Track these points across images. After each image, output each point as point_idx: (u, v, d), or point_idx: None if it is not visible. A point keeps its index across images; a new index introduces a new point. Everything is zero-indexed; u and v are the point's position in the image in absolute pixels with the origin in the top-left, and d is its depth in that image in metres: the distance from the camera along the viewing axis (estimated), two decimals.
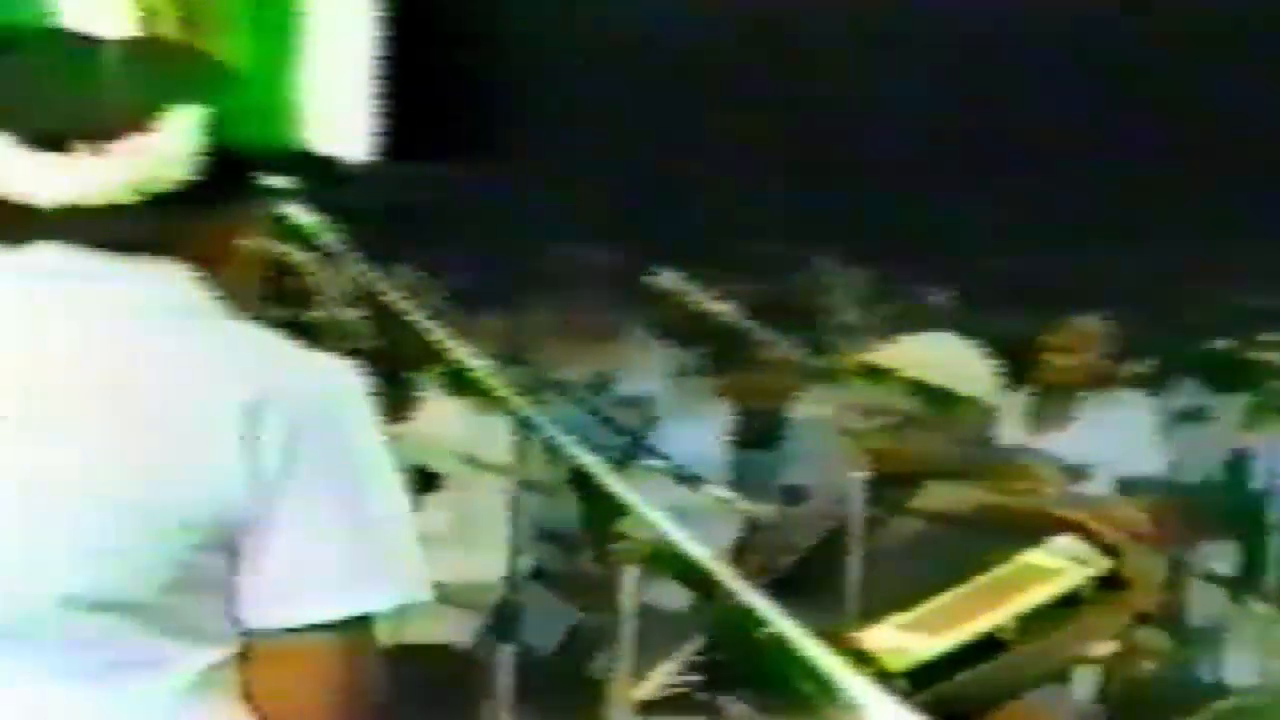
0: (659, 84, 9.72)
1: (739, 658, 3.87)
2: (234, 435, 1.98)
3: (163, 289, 2.05)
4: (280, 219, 2.68)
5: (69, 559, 1.98)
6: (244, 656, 2.05)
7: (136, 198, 2.03)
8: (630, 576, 2.61)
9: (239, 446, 1.98)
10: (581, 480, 2.52)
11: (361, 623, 2.05)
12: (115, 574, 1.98)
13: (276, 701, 2.04)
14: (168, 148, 2.03)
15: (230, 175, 2.09)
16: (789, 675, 2.28)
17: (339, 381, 2.07)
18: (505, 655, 3.82)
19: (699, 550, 2.41)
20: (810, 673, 2.26)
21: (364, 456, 2.06)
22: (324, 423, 2.03)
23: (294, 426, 2.00)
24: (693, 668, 4.15)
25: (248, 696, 2.05)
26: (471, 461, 4.68)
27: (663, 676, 4.08)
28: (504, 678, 3.80)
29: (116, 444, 1.98)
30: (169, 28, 5.90)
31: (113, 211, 2.03)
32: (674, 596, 3.75)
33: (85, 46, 2.12)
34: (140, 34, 5.48)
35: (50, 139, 2.02)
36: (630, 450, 4.66)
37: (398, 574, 2.06)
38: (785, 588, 2.44)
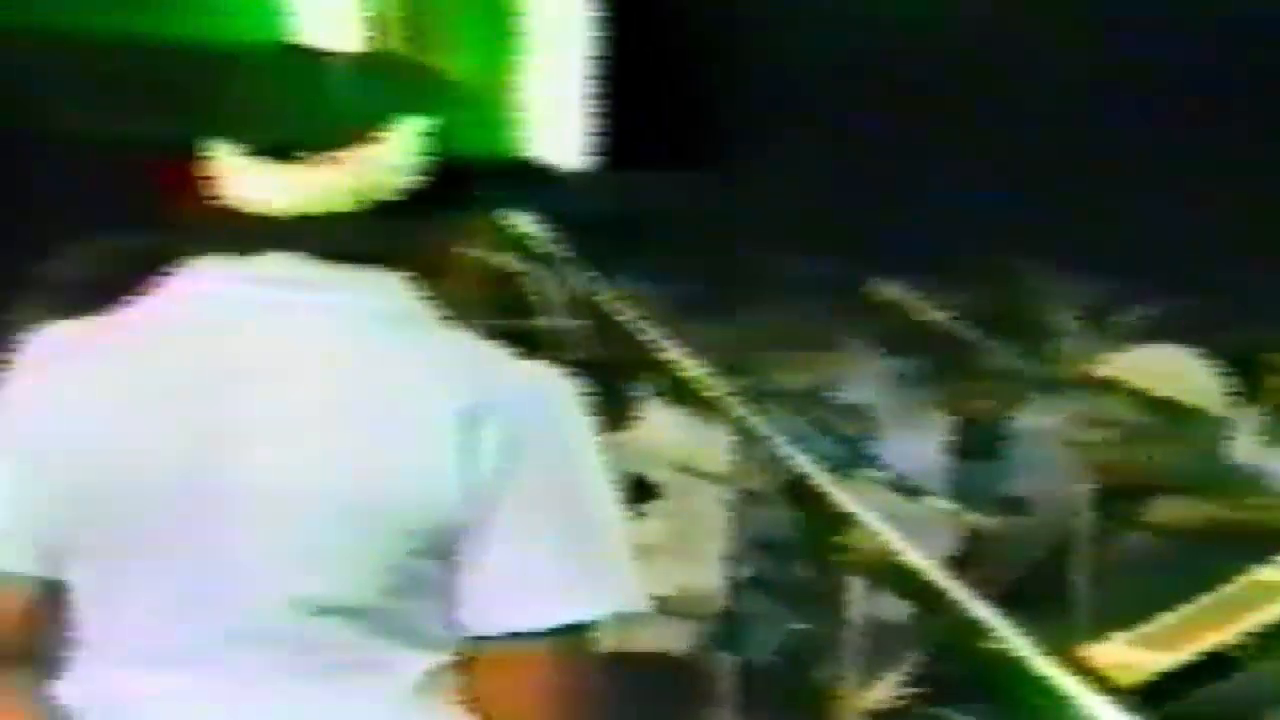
0: (882, 94, 9.66)
1: (964, 671, 3.83)
2: (450, 443, 2.00)
3: (384, 298, 2.08)
4: (501, 228, 2.69)
5: (298, 562, 2.01)
6: (465, 662, 2.07)
7: (361, 207, 2.06)
8: (852, 587, 2.58)
9: (455, 454, 2.00)
10: (801, 489, 2.51)
11: (579, 630, 2.06)
12: (340, 578, 2.01)
13: (496, 706, 2.06)
14: (392, 158, 2.06)
15: (452, 185, 2.11)
16: (1016, 690, 2.24)
17: (554, 390, 2.08)
18: (726, 664, 3.81)
19: (923, 561, 2.38)
20: (1039, 687, 2.22)
21: (579, 465, 2.07)
22: (539, 431, 2.04)
23: (509, 435, 2.01)
24: (917, 680, 4.11)
25: (469, 701, 2.06)
26: (690, 470, 4.68)
27: (887, 688, 4.05)
28: (725, 687, 3.79)
29: (339, 450, 2.00)
30: (396, 42, 5.99)
31: (337, 221, 2.06)
32: (893, 607, 3.72)
33: (315, 61, 2.16)
34: (368, 48, 5.58)
35: (279, 150, 2.06)
36: (850, 460, 4.62)
37: (613, 583, 2.07)
38: (1010, 601, 2.40)
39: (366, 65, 2.21)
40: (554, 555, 2.03)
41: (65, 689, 2.11)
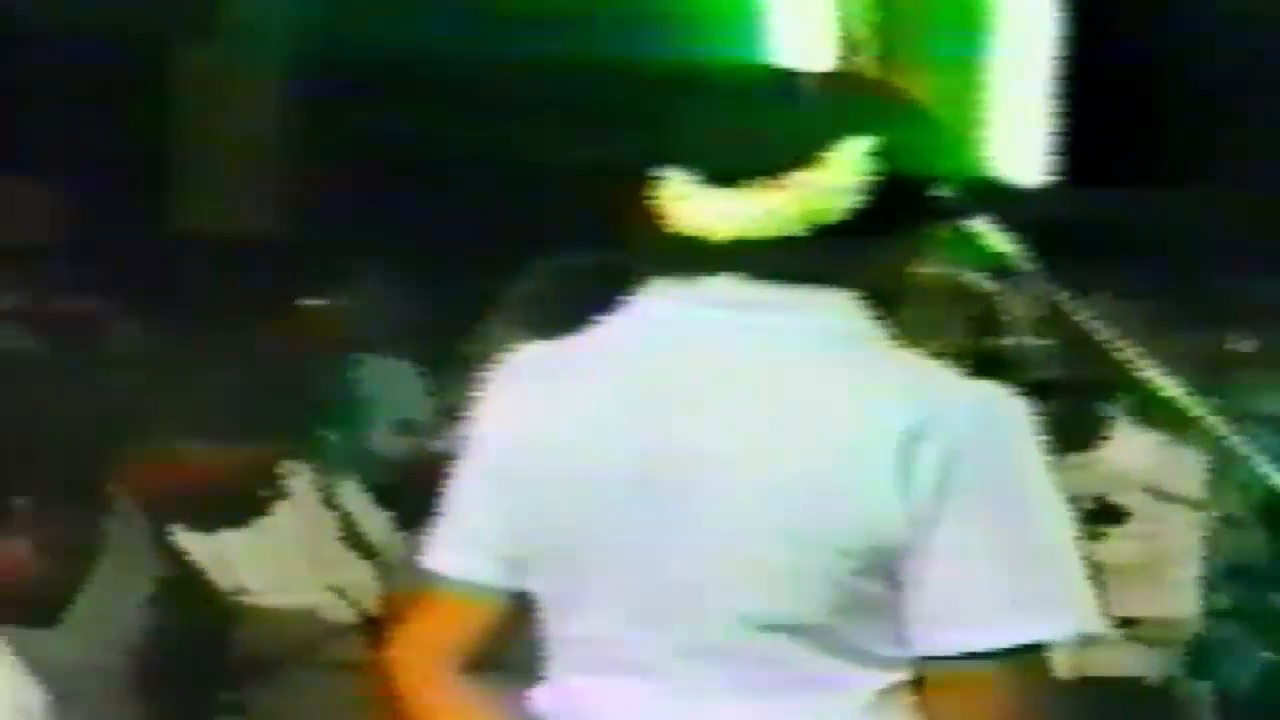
0: None
1: None
2: (891, 463, 1.99)
3: (830, 319, 2.07)
4: (966, 244, 2.64)
5: (745, 580, 2.02)
6: (917, 682, 2.05)
7: (807, 229, 2.05)
8: None
9: (896, 475, 1.99)
10: None
11: (1032, 652, 2.02)
12: (784, 596, 2.02)
13: None
14: (839, 179, 2.06)
15: (904, 204, 2.10)
16: None
17: (1000, 409, 2.05)
18: (1200, 693, 3.70)
19: None
20: None
21: (1026, 485, 2.03)
22: (983, 451, 2.01)
23: (951, 455, 1.99)
24: None
25: None
26: (1160, 494, 4.56)
27: None
28: (1199, 716, 3.68)
29: (783, 470, 2.01)
30: (867, 61, 5.98)
31: (783, 243, 2.06)
32: None
33: (775, 85, 2.16)
34: (836, 68, 5.59)
35: (727, 176, 2.07)
36: None
37: (1065, 604, 2.03)
38: None
39: (826, 87, 2.22)
40: (999, 576, 2.00)
41: (536, 696, 2.17)
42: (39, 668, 2.22)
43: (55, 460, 2.23)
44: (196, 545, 3.48)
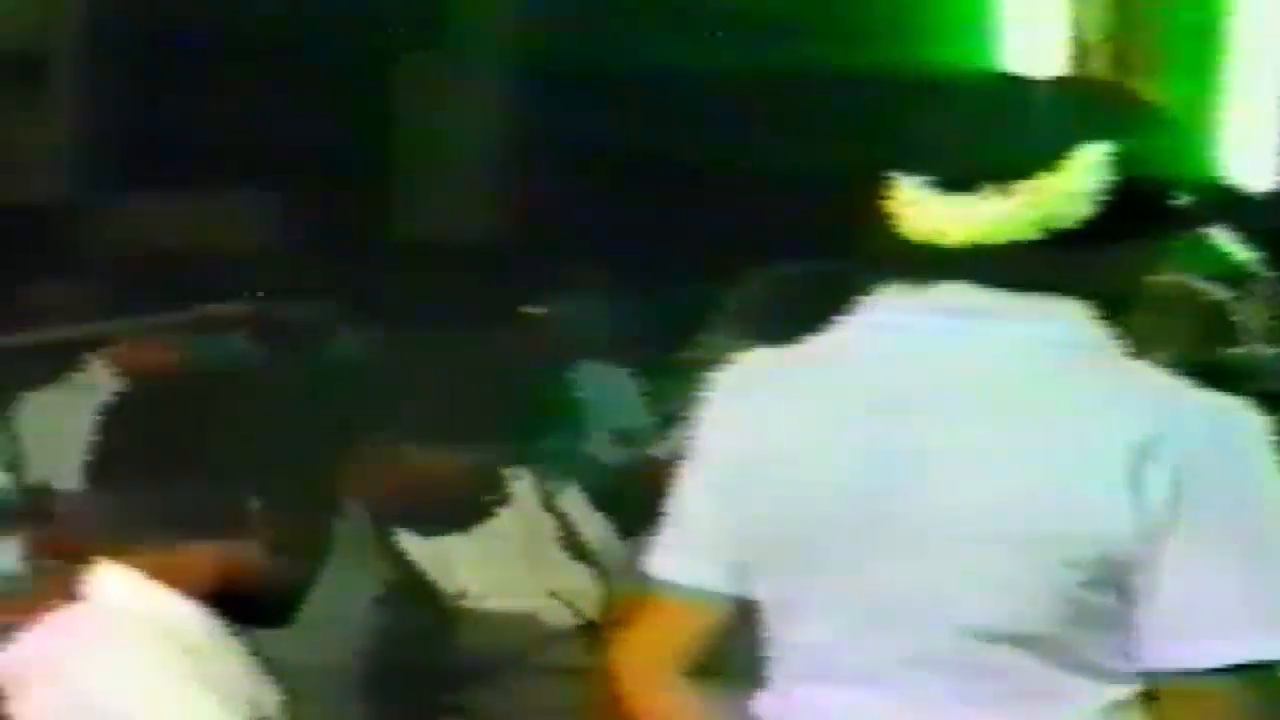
0: None
1: None
2: (1121, 475, 1.97)
3: (1061, 327, 2.06)
4: (1196, 252, 2.60)
5: (966, 590, 2.02)
6: (1146, 696, 2.03)
7: (1040, 235, 2.04)
8: None
9: (1125, 487, 1.97)
10: None
11: (1265, 669, 1.99)
12: (1009, 607, 2.00)
13: None
14: (1075, 185, 2.04)
15: (1141, 210, 2.07)
16: None
17: (1233, 423, 2.02)
18: None
19: None
20: None
21: (1260, 499, 2.00)
22: (1215, 465, 1.99)
23: (1184, 468, 1.97)
24: None
25: None
26: None
27: None
28: None
29: (1011, 480, 2.00)
30: (1101, 66, 5.91)
31: (1015, 250, 2.04)
32: None
33: (1012, 91, 2.15)
34: (1070, 73, 5.53)
35: (961, 181, 2.05)
36: None
37: None
38: None
39: (1061, 92, 2.20)
40: (1233, 591, 1.98)
41: (761, 702, 2.17)
42: (271, 667, 2.26)
43: (285, 463, 2.26)
44: (419, 549, 3.52)
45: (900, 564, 2.04)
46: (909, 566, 2.03)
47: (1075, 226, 2.04)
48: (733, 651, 2.22)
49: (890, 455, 2.04)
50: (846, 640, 2.08)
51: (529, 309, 4.57)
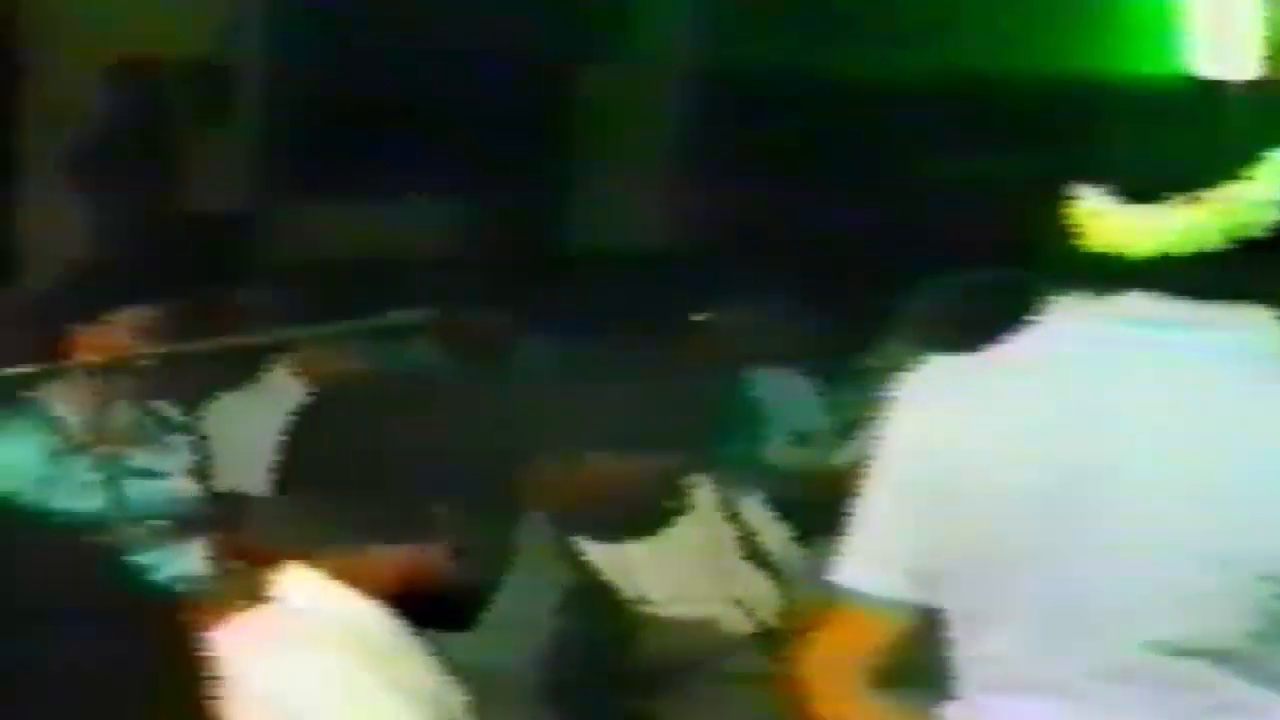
0: None
1: None
2: None
3: (1249, 336, 2.03)
4: None
5: (1157, 605, 1.99)
6: None
7: (1227, 244, 2.01)
8: None
9: None
10: None
11: None
12: (1201, 621, 1.98)
13: None
14: (1264, 194, 2.01)
15: None
16: None
17: None
18: None
19: None
20: None
21: None
22: None
23: None
24: None
25: None
26: None
27: None
28: None
29: (1205, 493, 1.98)
30: None
31: (1202, 259, 2.02)
32: None
33: (1203, 99, 2.12)
34: (1262, 76, 5.43)
35: (1148, 192, 2.03)
36: None
37: None
38: None
39: (1249, 98, 2.16)
40: None
41: (948, 713, 2.16)
42: (455, 671, 2.27)
43: (470, 469, 2.28)
44: (601, 555, 3.53)
45: (1091, 575, 2.02)
46: (1099, 578, 2.02)
47: (1264, 234, 2.01)
48: (920, 661, 2.21)
49: (1082, 466, 2.03)
50: (1031, 651, 2.07)
51: (707, 317, 4.57)
